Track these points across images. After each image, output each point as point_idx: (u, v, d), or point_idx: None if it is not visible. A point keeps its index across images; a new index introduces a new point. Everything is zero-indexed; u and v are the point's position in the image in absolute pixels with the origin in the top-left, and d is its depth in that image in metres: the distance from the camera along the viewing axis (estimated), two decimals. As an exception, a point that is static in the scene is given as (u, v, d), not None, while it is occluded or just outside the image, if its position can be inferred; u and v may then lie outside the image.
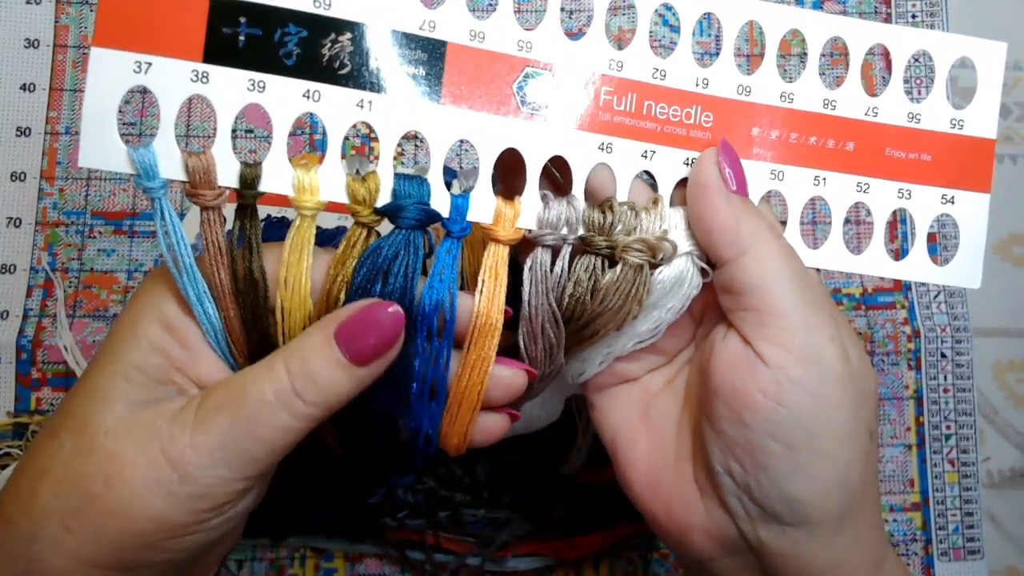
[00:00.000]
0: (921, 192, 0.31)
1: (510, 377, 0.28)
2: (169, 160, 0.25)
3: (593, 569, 0.47)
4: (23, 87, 0.49)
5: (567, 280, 0.28)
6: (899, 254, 0.31)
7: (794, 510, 0.27)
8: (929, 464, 0.49)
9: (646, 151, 0.29)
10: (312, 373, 0.25)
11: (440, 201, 0.27)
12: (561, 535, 0.44)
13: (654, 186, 0.30)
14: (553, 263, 0.28)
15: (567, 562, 0.46)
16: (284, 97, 0.26)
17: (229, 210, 0.27)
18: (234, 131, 0.26)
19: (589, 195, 0.29)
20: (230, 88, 0.26)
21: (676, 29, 0.30)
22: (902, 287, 0.51)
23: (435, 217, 0.27)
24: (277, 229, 0.41)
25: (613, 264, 0.28)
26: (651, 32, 0.29)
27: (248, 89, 0.26)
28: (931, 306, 0.50)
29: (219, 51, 0.25)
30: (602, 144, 0.28)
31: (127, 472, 0.24)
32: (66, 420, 0.26)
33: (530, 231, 0.28)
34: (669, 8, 0.29)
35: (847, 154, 0.30)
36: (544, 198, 0.28)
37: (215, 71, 0.26)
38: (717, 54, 0.30)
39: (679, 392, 0.32)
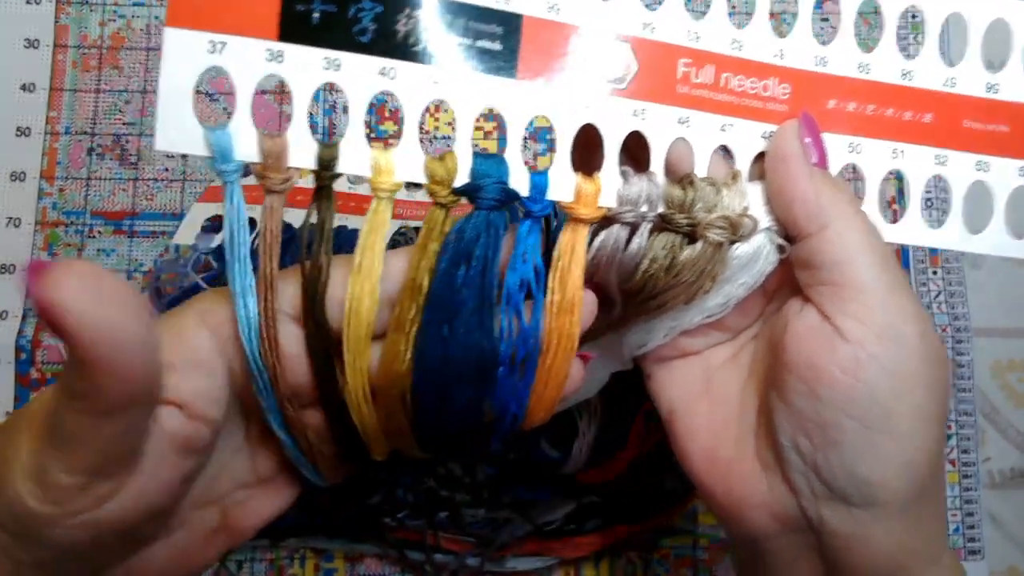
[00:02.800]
0: (999, 164, 0.30)
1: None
2: (244, 142, 0.25)
3: (593, 569, 0.47)
4: (23, 87, 0.49)
5: (643, 257, 0.28)
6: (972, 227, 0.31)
7: (862, 490, 0.27)
8: (929, 464, 0.49)
9: (724, 124, 0.28)
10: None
11: (519, 180, 0.26)
12: (561, 535, 0.44)
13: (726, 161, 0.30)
14: (629, 240, 0.27)
15: (567, 562, 0.46)
16: (360, 75, 0.25)
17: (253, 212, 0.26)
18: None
19: (667, 170, 0.28)
20: (305, 67, 0.25)
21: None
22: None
23: (514, 196, 0.26)
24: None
25: (692, 241, 0.28)
26: (729, 1, 0.29)
27: (324, 68, 0.25)
28: (931, 306, 0.50)
29: (293, 29, 0.25)
30: (680, 118, 0.28)
31: (18, 443, 0.23)
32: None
33: (610, 208, 0.27)
34: None
35: (924, 126, 0.30)
36: (624, 174, 0.27)
37: (290, 50, 0.25)
38: (792, 24, 0.29)
39: (743, 367, 0.31)
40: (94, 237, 0.48)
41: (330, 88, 0.26)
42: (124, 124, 0.49)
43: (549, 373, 0.28)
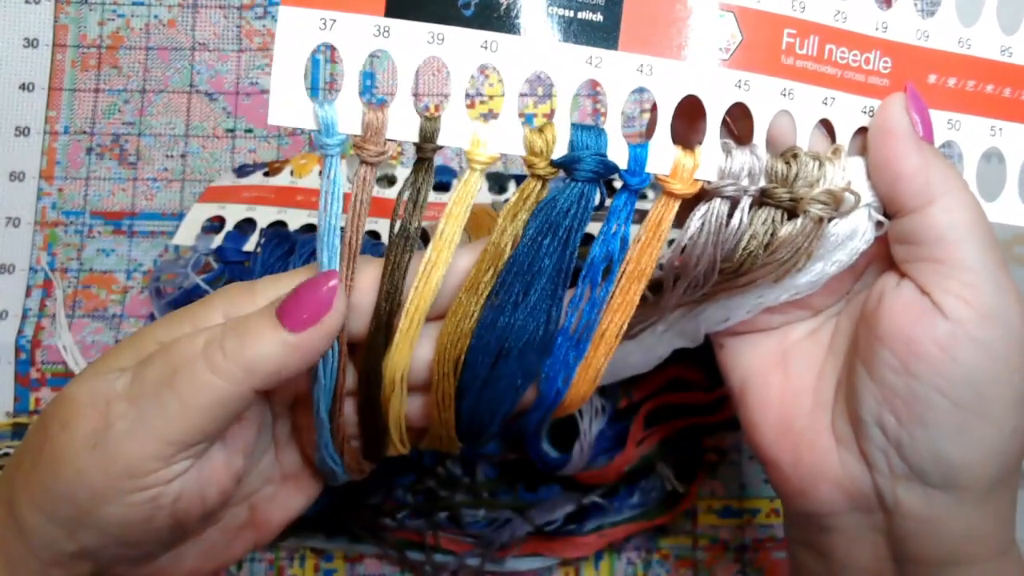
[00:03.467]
0: (1013, 129, 0.30)
1: None
2: (347, 116, 0.25)
3: (593, 569, 0.47)
4: (22, 87, 0.49)
5: (743, 233, 0.27)
6: None
7: (945, 472, 0.26)
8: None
9: (827, 98, 0.28)
10: (243, 330, 0.24)
11: (618, 153, 0.26)
12: (561, 535, 0.44)
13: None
14: (729, 215, 0.27)
15: (567, 562, 0.46)
16: (463, 49, 0.26)
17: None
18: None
19: (769, 144, 0.28)
20: (410, 42, 0.25)
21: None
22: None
23: (613, 169, 0.26)
24: (277, 246, 0.41)
25: (792, 217, 0.27)
26: None
27: (428, 42, 0.25)
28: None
29: (400, 5, 0.25)
30: (784, 90, 0.27)
31: (74, 419, 0.24)
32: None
33: (708, 182, 0.27)
34: None
35: (1023, 104, 0.29)
36: (725, 147, 0.27)
37: (396, 25, 0.25)
38: None
39: (822, 343, 0.31)
40: (93, 237, 0.48)
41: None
42: (123, 124, 0.49)
43: (601, 339, 0.28)
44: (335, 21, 0.25)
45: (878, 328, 0.27)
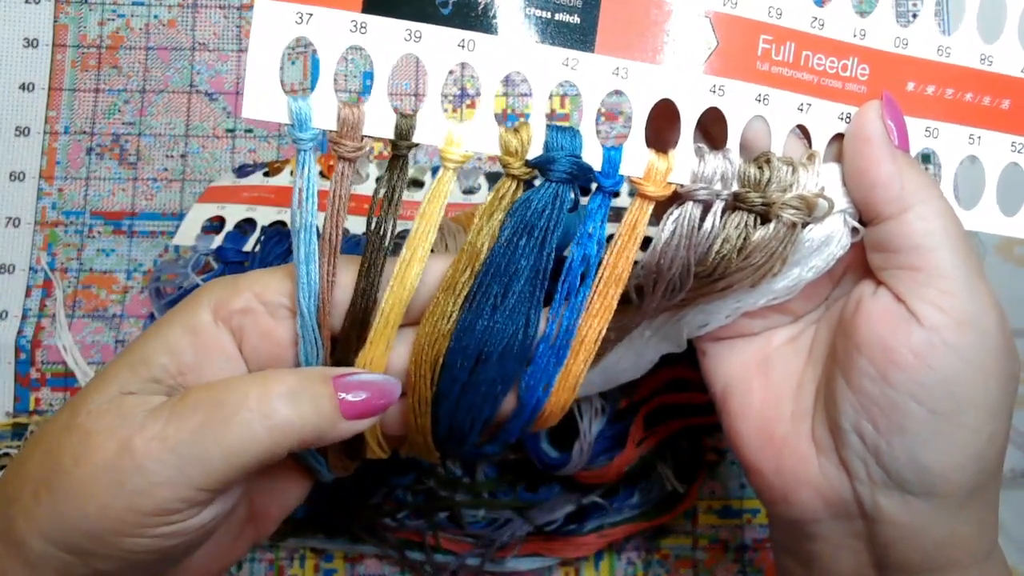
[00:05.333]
0: (990, 138, 0.30)
1: None
2: (323, 112, 0.25)
3: (593, 569, 0.47)
4: (22, 87, 0.49)
5: (716, 237, 0.27)
6: None
7: (923, 479, 0.26)
8: (930, 464, 0.49)
9: (802, 104, 0.28)
10: (299, 393, 0.25)
11: (592, 154, 0.26)
12: (561, 535, 0.44)
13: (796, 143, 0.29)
14: (702, 219, 0.27)
15: (567, 562, 0.46)
16: (440, 47, 0.26)
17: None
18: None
19: (743, 149, 0.28)
20: (387, 38, 0.25)
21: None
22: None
23: (587, 170, 0.26)
24: (276, 244, 0.41)
25: (765, 221, 0.27)
26: None
27: (405, 39, 0.25)
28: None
29: (378, 1, 0.25)
30: (759, 95, 0.28)
31: (93, 454, 0.24)
32: (76, 396, 0.26)
33: (682, 186, 0.27)
34: None
35: (1002, 112, 0.29)
36: (699, 151, 0.27)
37: (373, 21, 0.25)
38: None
39: (802, 350, 0.31)
40: (93, 237, 0.48)
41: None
42: (123, 124, 0.49)
43: (581, 345, 0.28)
44: (311, 15, 0.25)
45: (855, 336, 0.27)
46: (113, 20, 0.50)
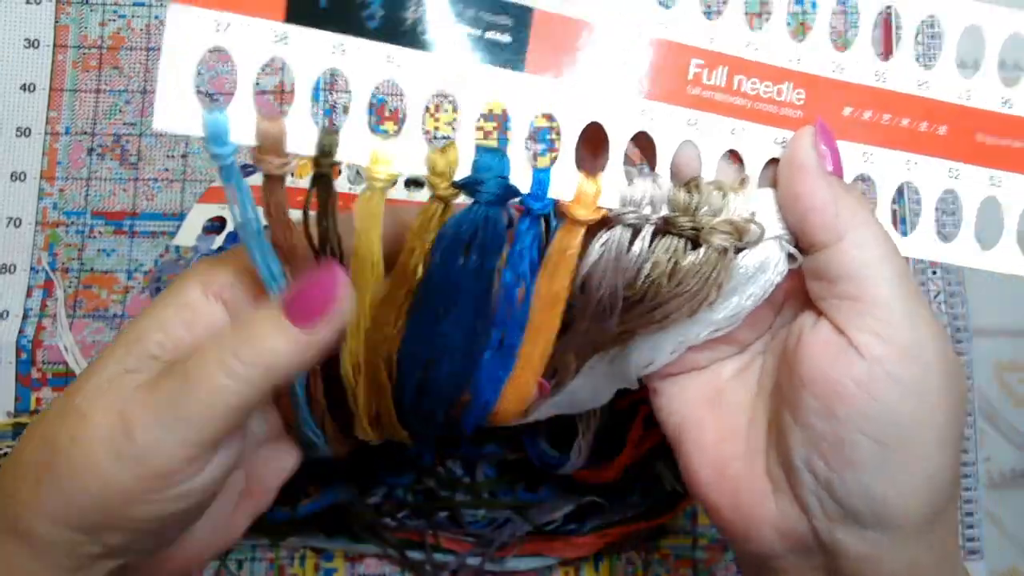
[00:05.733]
0: (1012, 180, 0.30)
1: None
2: (243, 125, 0.24)
3: (593, 569, 0.47)
4: (23, 87, 0.49)
5: (645, 261, 0.27)
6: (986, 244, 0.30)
7: (878, 511, 0.26)
8: (929, 464, 0.49)
9: (735, 128, 0.28)
10: (252, 333, 0.25)
11: (521, 176, 0.26)
12: (561, 535, 0.44)
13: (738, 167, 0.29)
14: (631, 243, 0.27)
15: (567, 562, 0.46)
16: (366, 62, 0.25)
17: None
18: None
19: (674, 174, 0.28)
20: (311, 51, 0.24)
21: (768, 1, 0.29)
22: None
23: (514, 192, 0.26)
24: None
25: (696, 247, 0.27)
26: (745, 2, 0.28)
27: (330, 52, 0.25)
28: (931, 306, 0.50)
29: (301, 11, 0.24)
30: (689, 119, 0.27)
31: (88, 431, 0.24)
32: (71, 384, 0.27)
33: (611, 210, 0.27)
34: None
35: (939, 138, 0.29)
36: (628, 175, 0.27)
37: (296, 32, 0.24)
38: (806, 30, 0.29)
39: (752, 382, 0.30)
40: (94, 237, 0.48)
41: (331, 88, 0.26)
42: (124, 124, 0.49)
43: (526, 362, 0.28)
44: (229, 24, 0.24)
45: (798, 370, 0.27)
46: (114, 21, 0.50)
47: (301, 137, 0.24)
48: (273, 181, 0.25)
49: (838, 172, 0.28)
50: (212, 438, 0.25)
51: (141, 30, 0.50)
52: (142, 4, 0.50)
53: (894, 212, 0.30)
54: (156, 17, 0.50)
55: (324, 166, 0.25)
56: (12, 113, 0.48)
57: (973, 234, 0.30)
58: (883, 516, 0.26)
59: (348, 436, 0.31)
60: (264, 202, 0.25)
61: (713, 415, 0.30)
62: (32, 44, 0.49)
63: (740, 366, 0.31)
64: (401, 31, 0.25)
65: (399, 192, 0.44)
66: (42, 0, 0.50)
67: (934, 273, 0.51)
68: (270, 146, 0.24)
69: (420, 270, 0.26)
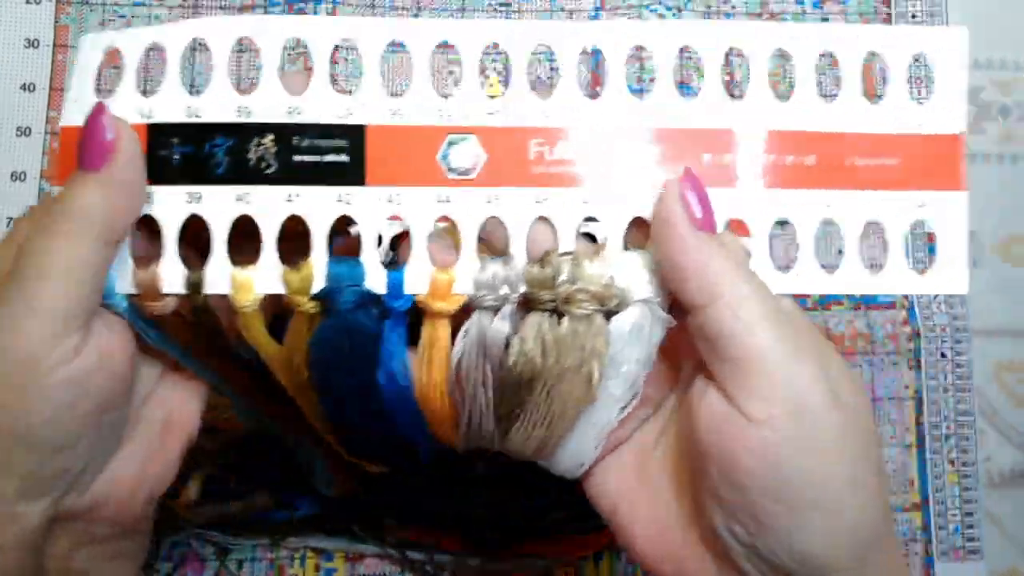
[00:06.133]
0: (890, 199, 0.29)
1: None
2: (124, 277, 0.27)
3: (593, 569, 0.47)
4: (23, 87, 0.49)
5: (510, 339, 0.27)
6: (876, 267, 0.30)
7: (808, 565, 0.25)
8: (929, 464, 0.49)
9: (587, 198, 0.28)
10: (60, 198, 0.26)
11: (376, 280, 0.28)
12: (561, 535, 0.44)
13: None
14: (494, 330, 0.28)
15: (567, 562, 0.46)
16: (218, 204, 0.28)
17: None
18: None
19: (530, 253, 0.28)
20: (171, 204, 0.28)
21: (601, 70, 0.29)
22: (902, 287, 0.51)
23: (370, 297, 0.27)
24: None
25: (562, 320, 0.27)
26: (579, 71, 0.29)
27: (187, 202, 0.28)
28: (931, 306, 0.50)
29: (159, 172, 0.27)
30: (538, 198, 0.28)
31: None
32: None
33: (470, 295, 0.28)
34: (595, 49, 0.29)
35: (807, 169, 0.29)
36: (481, 260, 0.28)
37: (157, 191, 0.27)
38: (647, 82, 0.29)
39: (672, 444, 0.30)
40: (94, 237, 0.48)
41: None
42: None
43: (436, 428, 0.30)
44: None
45: (698, 444, 0.27)
46: (114, 20, 0.50)
47: (173, 278, 0.28)
48: (163, 320, 0.28)
49: (708, 223, 0.27)
50: (65, 308, 0.25)
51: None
52: (141, 4, 0.50)
53: (771, 247, 0.29)
54: (155, 17, 0.50)
55: (198, 300, 0.28)
56: (12, 113, 0.48)
57: (860, 260, 0.29)
58: (814, 568, 0.25)
59: (351, 475, 0.33)
60: (170, 341, 0.29)
61: (643, 488, 0.30)
62: (32, 44, 0.49)
63: (659, 428, 0.30)
64: (247, 171, 0.28)
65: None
66: (42, 0, 0.50)
67: (934, 273, 0.51)
68: (147, 292, 0.27)
69: (305, 371, 0.28)
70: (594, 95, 0.29)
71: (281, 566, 0.46)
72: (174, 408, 0.31)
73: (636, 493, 0.30)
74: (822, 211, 0.29)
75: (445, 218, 0.28)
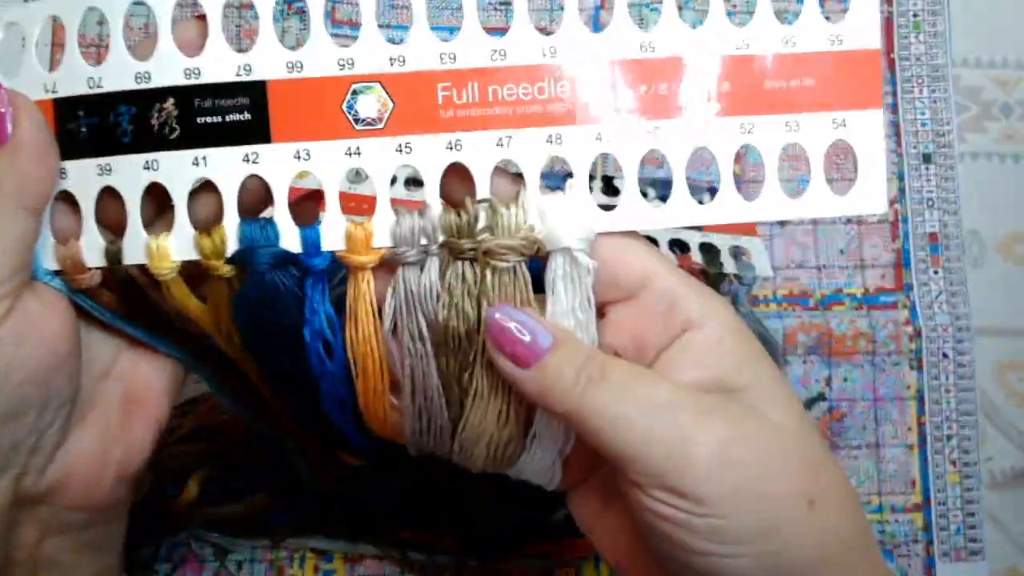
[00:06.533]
0: (809, 121, 0.28)
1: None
2: (47, 253, 0.27)
3: (593, 569, 0.47)
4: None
5: (440, 290, 0.27)
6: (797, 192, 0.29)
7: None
8: (931, 464, 0.49)
9: (501, 139, 0.27)
10: None
11: (291, 239, 0.27)
12: (561, 535, 0.44)
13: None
14: (420, 279, 0.27)
15: (567, 562, 0.46)
16: (128, 173, 0.27)
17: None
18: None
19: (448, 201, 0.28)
20: (83, 177, 0.27)
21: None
22: (903, 287, 0.50)
23: (286, 256, 0.27)
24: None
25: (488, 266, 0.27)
26: (481, 8, 0.27)
27: (98, 174, 0.27)
28: (933, 306, 0.50)
29: (69, 146, 0.27)
30: (450, 143, 0.27)
31: None
32: None
33: (390, 249, 0.27)
34: None
35: (723, 95, 0.28)
36: (396, 213, 0.27)
37: (69, 165, 0.27)
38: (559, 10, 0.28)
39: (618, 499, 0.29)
40: (93, 237, 0.48)
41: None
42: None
43: (368, 403, 0.29)
44: None
45: (651, 540, 0.26)
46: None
47: (93, 251, 0.27)
48: (92, 291, 0.28)
49: (533, 359, 0.26)
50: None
51: (139, 29, 0.49)
52: (140, 3, 0.50)
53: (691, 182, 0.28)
54: (156, 16, 0.50)
55: (120, 273, 0.28)
56: (11, 112, 0.48)
57: (780, 186, 0.28)
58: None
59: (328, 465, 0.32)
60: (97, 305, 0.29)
61: (612, 517, 0.30)
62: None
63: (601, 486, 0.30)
64: (152, 138, 0.27)
65: (399, 191, 0.44)
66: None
67: (935, 273, 0.51)
68: (71, 266, 0.27)
69: (237, 337, 0.28)
70: (499, 30, 0.28)
71: (281, 567, 0.46)
72: (137, 384, 0.30)
73: (606, 520, 0.30)
74: (740, 137, 0.28)
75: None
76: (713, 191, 0.29)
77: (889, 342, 0.49)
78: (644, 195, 0.28)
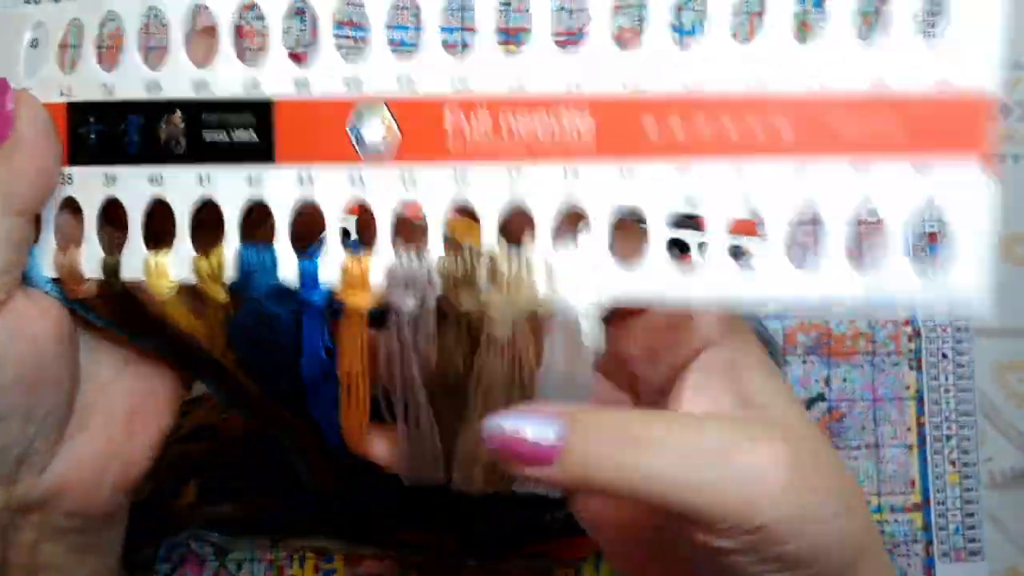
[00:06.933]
0: (886, 175, 0.24)
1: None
2: (47, 261, 0.27)
3: (593, 569, 0.47)
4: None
5: (434, 337, 0.25)
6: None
7: None
8: (930, 464, 0.49)
9: (511, 173, 0.25)
10: None
11: (290, 269, 0.26)
12: (561, 535, 0.44)
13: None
14: (416, 330, 0.25)
15: (567, 562, 0.46)
16: (132, 185, 0.27)
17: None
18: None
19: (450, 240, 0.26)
20: (89, 185, 0.27)
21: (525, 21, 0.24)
22: (903, 287, 0.51)
23: (282, 290, 0.26)
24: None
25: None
26: (497, 28, 0.25)
27: (103, 184, 0.27)
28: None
29: (78, 151, 0.27)
30: (457, 176, 0.25)
31: None
32: None
33: (384, 295, 0.25)
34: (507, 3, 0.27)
35: (777, 136, 0.23)
36: (396, 250, 0.25)
37: (76, 171, 0.27)
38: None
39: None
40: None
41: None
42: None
43: (351, 433, 0.28)
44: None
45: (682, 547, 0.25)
46: (114, 20, 0.50)
47: (92, 262, 0.27)
48: (89, 301, 0.28)
49: (547, 459, 0.23)
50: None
51: (139, 30, 0.50)
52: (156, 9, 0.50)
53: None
54: (155, 17, 0.50)
55: (116, 286, 0.27)
56: (11, 113, 0.48)
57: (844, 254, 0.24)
58: None
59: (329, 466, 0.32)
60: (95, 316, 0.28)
61: (617, 513, 0.29)
62: (32, 44, 0.49)
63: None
64: (158, 150, 0.26)
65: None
66: (42, 0, 0.49)
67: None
68: (68, 275, 0.27)
69: (231, 356, 0.28)
70: (514, 53, 0.25)
71: (280, 567, 0.46)
72: (141, 397, 0.30)
73: (609, 517, 0.29)
74: (797, 187, 0.24)
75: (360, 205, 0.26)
76: (737, 252, 0.25)
77: (889, 342, 0.49)
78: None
